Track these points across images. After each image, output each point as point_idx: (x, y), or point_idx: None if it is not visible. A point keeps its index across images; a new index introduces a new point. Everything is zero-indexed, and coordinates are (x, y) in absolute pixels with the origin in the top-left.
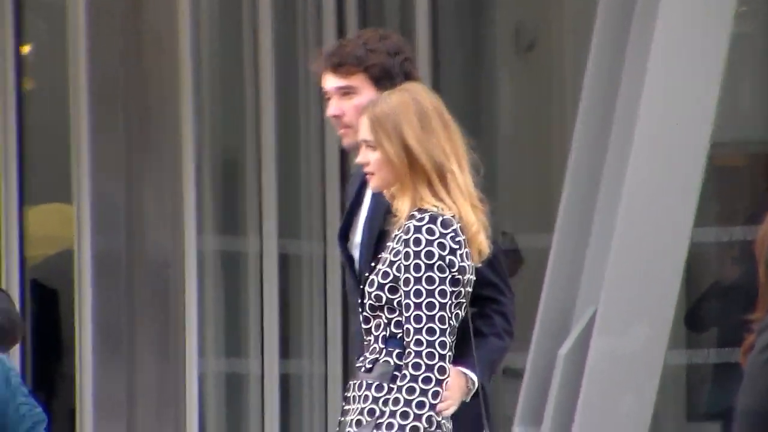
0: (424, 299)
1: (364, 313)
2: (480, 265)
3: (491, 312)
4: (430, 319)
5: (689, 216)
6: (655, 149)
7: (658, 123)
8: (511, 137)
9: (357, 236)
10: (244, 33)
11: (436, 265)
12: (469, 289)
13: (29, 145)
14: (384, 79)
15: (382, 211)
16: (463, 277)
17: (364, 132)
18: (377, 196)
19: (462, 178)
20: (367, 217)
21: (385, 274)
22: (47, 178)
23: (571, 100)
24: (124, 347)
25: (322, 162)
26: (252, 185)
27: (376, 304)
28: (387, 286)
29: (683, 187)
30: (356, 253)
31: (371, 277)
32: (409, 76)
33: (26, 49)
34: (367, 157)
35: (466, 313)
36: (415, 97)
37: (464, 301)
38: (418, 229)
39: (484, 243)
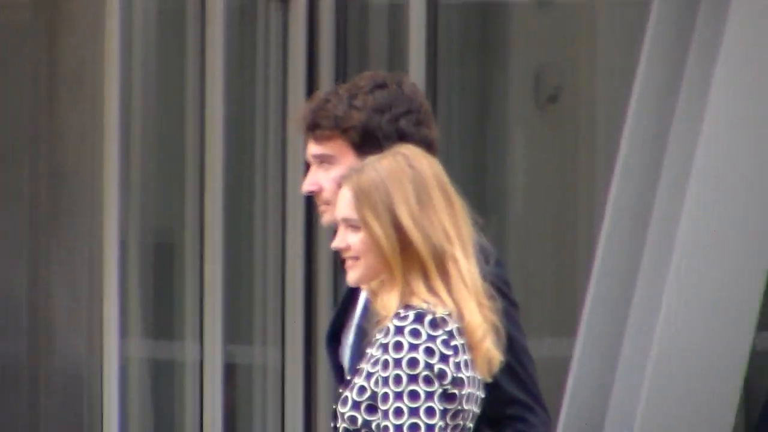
0: (406, 420)
1: None
2: (490, 380)
3: None
4: None
5: (751, 317)
6: (710, 229)
7: (710, 204)
8: (526, 216)
9: (349, 337)
10: (189, 73)
11: (422, 376)
12: (475, 409)
13: None
14: (368, 145)
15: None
16: (460, 391)
17: (344, 208)
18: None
19: (467, 267)
20: (361, 314)
21: (361, 390)
22: None
23: (603, 168)
24: None
25: (282, 247)
26: (192, 277)
27: (351, 428)
28: (363, 405)
29: (744, 281)
30: (347, 359)
31: (345, 393)
32: (406, 139)
33: None
34: (347, 240)
35: None
36: (411, 163)
37: (466, 424)
38: (399, 331)
39: (493, 351)
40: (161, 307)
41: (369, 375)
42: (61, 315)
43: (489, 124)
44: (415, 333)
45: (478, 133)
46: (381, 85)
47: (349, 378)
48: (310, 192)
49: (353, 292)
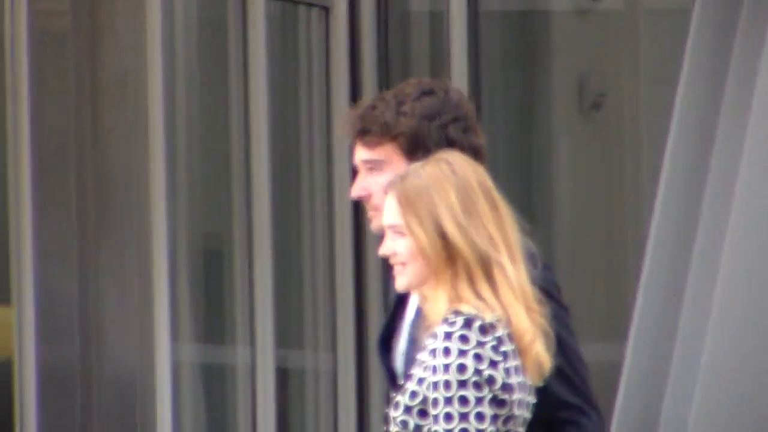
0: (457, 425)
1: None
2: (541, 384)
3: None
4: None
5: None
6: (758, 231)
7: (758, 206)
8: (573, 221)
9: (401, 343)
10: (232, 79)
11: (471, 381)
12: (525, 414)
13: None
14: (417, 150)
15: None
16: (510, 396)
17: (390, 215)
18: None
19: (514, 272)
20: (413, 320)
21: (413, 395)
22: None
23: (648, 173)
24: None
25: (330, 252)
26: (242, 282)
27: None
28: (415, 410)
29: None
30: (399, 365)
31: (397, 398)
32: (454, 145)
33: None
34: (393, 247)
35: None
36: (455, 170)
37: (517, 430)
38: (448, 336)
39: (543, 355)
40: (212, 312)
41: (420, 380)
42: (112, 320)
43: (533, 131)
44: (464, 339)
45: (522, 140)
46: (428, 92)
47: (401, 383)
48: (359, 197)
49: (403, 298)
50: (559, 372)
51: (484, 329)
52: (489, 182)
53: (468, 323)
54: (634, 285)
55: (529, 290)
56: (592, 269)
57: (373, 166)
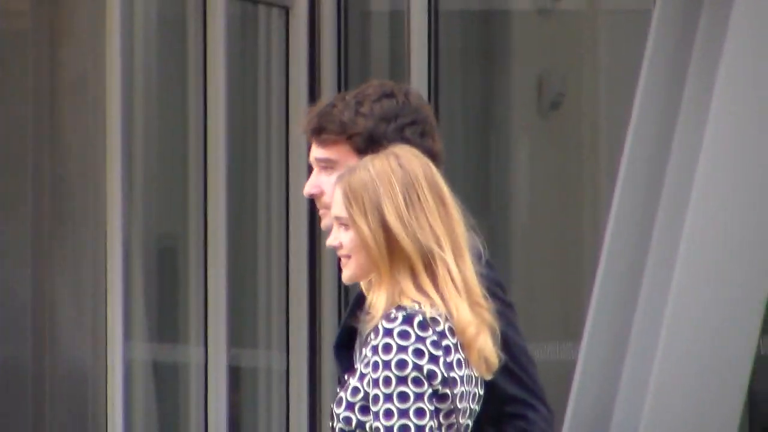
0: (396, 421)
1: None
2: (490, 377)
3: None
4: None
5: (756, 320)
6: (714, 233)
7: (714, 208)
8: (530, 221)
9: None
10: (191, 80)
11: (411, 377)
12: (472, 406)
13: None
14: (371, 152)
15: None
16: (452, 390)
17: (336, 207)
18: None
19: (457, 268)
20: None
21: (355, 391)
22: None
23: (606, 173)
24: None
25: (285, 253)
26: (196, 281)
27: (346, 428)
28: (357, 406)
29: (750, 283)
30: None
31: (340, 394)
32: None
33: None
34: (339, 239)
35: None
36: (402, 163)
37: (462, 421)
38: (388, 333)
39: (489, 348)
40: (165, 311)
41: (362, 376)
42: (65, 319)
43: (491, 130)
44: (404, 335)
45: (480, 140)
46: (388, 95)
47: (345, 379)
48: (311, 195)
49: (362, 298)
50: (505, 368)
51: (424, 325)
52: (437, 177)
53: (408, 319)
54: (589, 285)
55: (475, 285)
56: (549, 269)
57: (327, 164)
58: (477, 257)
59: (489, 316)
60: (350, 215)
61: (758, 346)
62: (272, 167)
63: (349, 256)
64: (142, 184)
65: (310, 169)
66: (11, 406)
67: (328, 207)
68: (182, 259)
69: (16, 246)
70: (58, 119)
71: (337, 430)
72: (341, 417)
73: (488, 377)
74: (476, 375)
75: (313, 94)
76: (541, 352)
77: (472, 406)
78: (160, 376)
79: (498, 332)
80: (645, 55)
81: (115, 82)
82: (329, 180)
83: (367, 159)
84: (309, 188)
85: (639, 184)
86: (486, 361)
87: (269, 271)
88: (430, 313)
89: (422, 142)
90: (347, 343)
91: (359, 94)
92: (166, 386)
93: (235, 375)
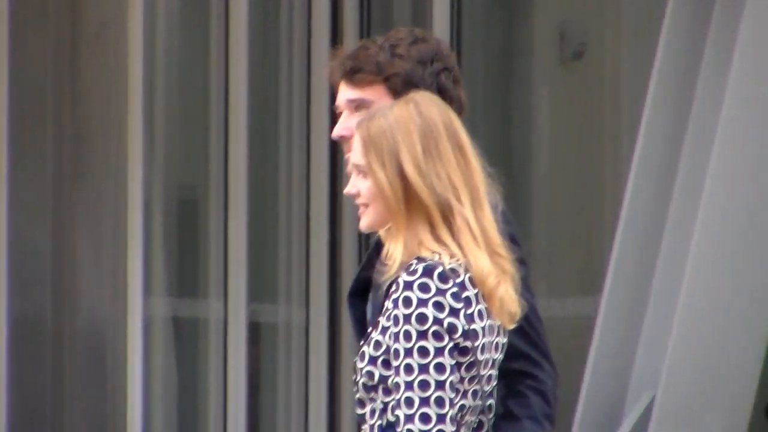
0: (416, 377)
1: (359, 395)
2: (512, 325)
3: (526, 390)
4: (424, 402)
5: None
6: (735, 189)
7: (738, 157)
8: (551, 172)
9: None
10: (212, 32)
11: (431, 331)
12: (495, 356)
13: None
14: (408, 94)
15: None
16: (473, 343)
17: (355, 154)
18: None
19: (475, 217)
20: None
21: (377, 345)
22: None
23: (628, 124)
24: None
25: (306, 205)
26: (216, 235)
27: (369, 383)
28: (380, 360)
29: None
30: (369, 315)
31: (362, 348)
32: (444, 94)
33: None
34: (357, 187)
35: (494, 389)
36: (421, 111)
37: (484, 373)
38: (408, 286)
39: (509, 299)
40: (185, 266)
41: (384, 329)
42: (85, 274)
43: (513, 80)
44: (424, 287)
45: (502, 90)
46: (422, 39)
47: (368, 331)
48: (341, 137)
49: (379, 248)
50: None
51: (444, 276)
52: (457, 125)
53: (428, 271)
54: (611, 238)
55: (494, 235)
56: (570, 222)
57: (362, 105)
58: (494, 208)
59: (509, 266)
60: (368, 163)
61: None
62: (293, 119)
63: (366, 205)
64: (163, 138)
65: (332, 120)
66: (31, 360)
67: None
68: (203, 214)
69: (36, 201)
70: (79, 73)
71: (360, 384)
72: (364, 371)
73: (510, 326)
74: (497, 324)
75: (335, 43)
76: (562, 308)
77: (495, 356)
78: (180, 331)
79: (518, 281)
80: (668, 4)
81: (137, 34)
82: None
83: (386, 106)
84: (339, 130)
85: (661, 135)
86: (508, 310)
87: (289, 226)
88: (449, 263)
89: (455, 89)
90: (362, 293)
91: (391, 38)
92: (186, 341)
93: (254, 330)
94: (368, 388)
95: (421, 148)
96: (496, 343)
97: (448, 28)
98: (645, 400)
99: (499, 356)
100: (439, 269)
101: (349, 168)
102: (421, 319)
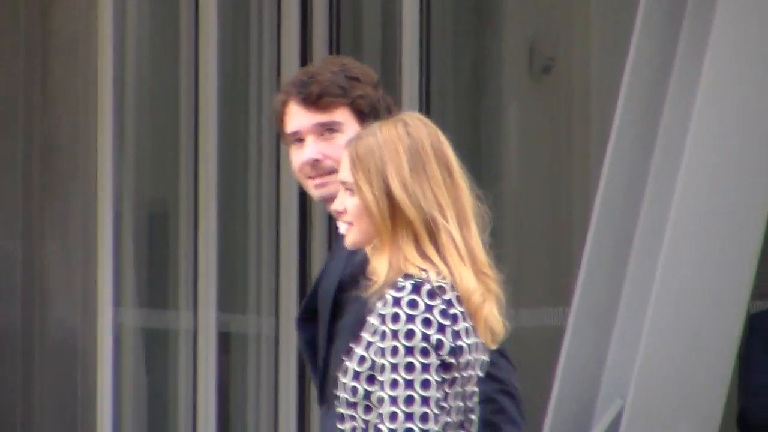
0: (402, 392)
1: (340, 409)
2: (495, 346)
3: (494, 395)
4: (408, 418)
5: (745, 282)
6: (703, 200)
7: (708, 168)
8: (520, 186)
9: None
10: (182, 44)
11: (419, 347)
12: (478, 373)
13: None
14: (370, 116)
15: (339, 273)
16: (458, 359)
17: (343, 171)
18: (344, 255)
19: (461, 236)
20: (322, 281)
21: (362, 360)
22: None
23: (598, 137)
24: None
25: (276, 216)
26: (186, 245)
27: (352, 399)
28: (363, 375)
29: (738, 246)
30: (322, 330)
31: (345, 363)
32: (390, 112)
33: None
34: (344, 203)
35: (476, 406)
36: (410, 131)
37: (467, 389)
38: (397, 302)
39: (493, 319)
40: (155, 276)
41: (369, 344)
42: (55, 284)
43: (483, 94)
44: (413, 304)
45: (471, 103)
46: (357, 66)
47: (350, 346)
48: (316, 160)
49: (326, 272)
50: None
51: (432, 293)
52: (444, 146)
53: (417, 288)
54: (580, 250)
55: (480, 255)
56: (540, 234)
57: (331, 128)
58: (482, 229)
59: (495, 286)
60: (355, 180)
61: (748, 310)
62: (263, 130)
63: (351, 222)
64: (132, 148)
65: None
66: (1, 370)
67: (331, 172)
68: (173, 224)
69: (6, 210)
70: (49, 83)
71: (342, 399)
72: (348, 387)
73: (493, 346)
74: (481, 342)
75: (304, 54)
76: (531, 318)
77: (478, 373)
78: (150, 341)
79: (504, 302)
80: (637, 19)
81: (107, 45)
82: (332, 145)
83: (376, 125)
84: (310, 153)
85: (630, 147)
86: (491, 330)
87: (259, 237)
88: (436, 281)
89: (395, 108)
90: (310, 316)
91: (333, 64)
92: (156, 352)
93: (224, 341)
94: (349, 404)
95: (408, 167)
96: (480, 361)
97: (417, 42)
98: (614, 409)
99: (480, 373)
100: (427, 286)
101: (323, 193)
102: (409, 335)
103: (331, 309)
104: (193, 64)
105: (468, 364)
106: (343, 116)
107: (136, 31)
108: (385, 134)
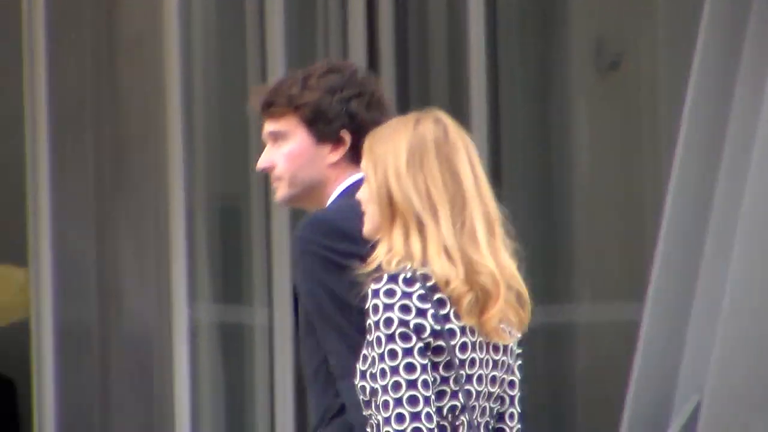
0: (389, 380)
1: (365, 412)
2: (503, 341)
3: None
4: (397, 403)
5: None
6: None
7: None
8: (590, 183)
9: None
10: (249, 38)
11: (398, 333)
12: (507, 360)
13: None
14: (319, 122)
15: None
16: (448, 342)
17: (362, 162)
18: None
19: (452, 233)
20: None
21: (364, 358)
22: None
23: (666, 134)
24: None
25: None
26: (259, 240)
27: (365, 398)
28: (368, 373)
29: None
30: None
31: (356, 363)
32: (355, 119)
33: None
34: (363, 192)
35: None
36: (418, 128)
37: (470, 372)
38: (375, 294)
39: (490, 313)
40: (229, 271)
41: (367, 343)
42: (129, 280)
43: (551, 90)
44: (390, 293)
45: (539, 102)
46: (334, 70)
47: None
48: (264, 169)
49: None
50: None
51: (409, 280)
52: (451, 146)
53: (393, 277)
54: (653, 245)
55: (476, 250)
56: (612, 230)
57: (278, 137)
58: (503, 226)
59: (487, 281)
60: (365, 168)
61: None
62: None
63: (365, 210)
64: (202, 142)
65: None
66: (78, 367)
67: (279, 179)
68: (245, 218)
69: (78, 206)
70: (117, 78)
71: (362, 401)
72: (359, 386)
73: (494, 339)
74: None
75: (371, 50)
76: (606, 312)
77: (482, 356)
78: (225, 336)
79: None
80: (703, 15)
81: (173, 42)
82: (279, 153)
83: (394, 119)
84: (262, 163)
85: (700, 139)
86: (491, 324)
87: None
88: (420, 270)
89: (368, 114)
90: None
91: (308, 70)
92: (232, 347)
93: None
94: (366, 404)
95: (405, 161)
96: (472, 342)
97: (484, 41)
98: (691, 405)
99: (499, 357)
100: (404, 274)
101: (278, 196)
102: (388, 323)
103: (294, 304)
104: (260, 57)
105: (465, 346)
106: (288, 124)
107: (202, 25)
108: (395, 128)
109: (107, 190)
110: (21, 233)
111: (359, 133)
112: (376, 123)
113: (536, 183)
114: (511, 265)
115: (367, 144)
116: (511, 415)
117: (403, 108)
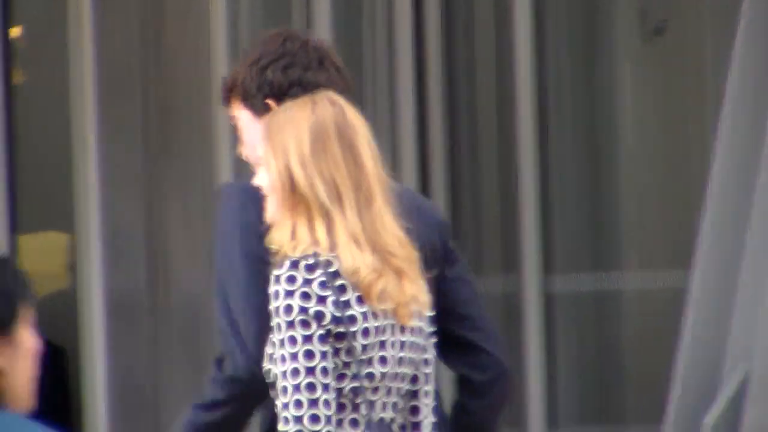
0: (288, 366)
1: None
2: (410, 323)
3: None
4: (296, 389)
5: None
6: None
7: None
8: (636, 148)
9: None
10: (294, 8)
11: (298, 320)
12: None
13: (21, 154)
14: (248, 98)
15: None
16: (349, 328)
17: (260, 147)
18: None
19: (358, 218)
20: None
21: (271, 343)
22: (43, 198)
23: (713, 99)
24: (150, 413)
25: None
26: None
27: (270, 382)
28: (272, 358)
29: None
30: None
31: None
32: (274, 85)
33: (16, 32)
34: (261, 179)
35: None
36: (315, 110)
37: (374, 354)
38: (277, 280)
39: (396, 295)
40: None
41: (271, 328)
42: (177, 248)
43: (596, 56)
44: (291, 279)
45: (584, 67)
46: (262, 42)
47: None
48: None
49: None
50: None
51: (311, 266)
52: (351, 128)
53: (295, 263)
54: (698, 211)
55: (386, 236)
56: (657, 197)
57: (235, 121)
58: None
59: (403, 263)
60: (265, 155)
61: None
62: (378, 113)
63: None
64: None
65: (419, 121)
66: (126, 338)
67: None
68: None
69: (126, 175)
70: (163, 45)
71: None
72: (265, 370)
73: (405, 322)
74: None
75: (418, 42)
76: (653, 280)
77: (388, 338)
78: None
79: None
80: (742, 10)
81: (220, 7)
82: (243, 138)
83: (288, 104)
84: (238, 150)
85: (746, 106)
86: (399, 303)
87: None
88: (324, 256)
89: (285, 76)
90: None
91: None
92: None
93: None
94: (272, 386)
95: (309, 147)
96: (375, 327)
97: (528, 7)
98: (739, 376)
99: (405, 338)
100: (306, 261)
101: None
102: (288, 310)
103: None
104: (305, 21)
105: (367, 332)
106: (236, 108)
107: None
108: (294, 112)
109: (155, 157)
110: (68, 201)
111: (283, 98)
112: (301, 82)
113: (583, 151)
114: (411, 246)
115: (265, 129)
116: (426, 393)
117: (452, 76)
